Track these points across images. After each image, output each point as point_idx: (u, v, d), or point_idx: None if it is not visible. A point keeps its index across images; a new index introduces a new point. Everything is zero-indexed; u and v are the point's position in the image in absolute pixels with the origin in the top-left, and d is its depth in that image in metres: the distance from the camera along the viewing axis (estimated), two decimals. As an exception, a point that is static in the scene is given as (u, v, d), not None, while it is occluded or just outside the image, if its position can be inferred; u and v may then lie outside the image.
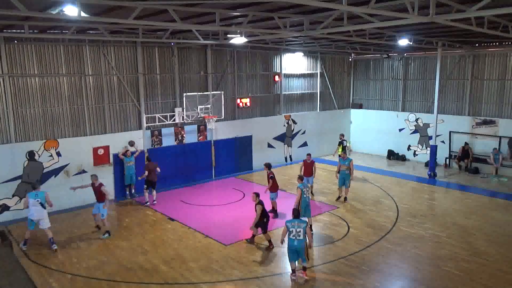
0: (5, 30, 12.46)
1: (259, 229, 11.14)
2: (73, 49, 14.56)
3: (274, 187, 13.43)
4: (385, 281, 9.36)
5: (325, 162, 20.68)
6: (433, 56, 20.41)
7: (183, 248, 11.16)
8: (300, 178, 12.34)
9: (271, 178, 13.31)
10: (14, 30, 12.67)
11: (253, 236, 11.40)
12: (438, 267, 9.97)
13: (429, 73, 21.24)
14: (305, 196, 11.83)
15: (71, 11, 8.33)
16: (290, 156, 21.82)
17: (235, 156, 19.38)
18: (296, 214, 9.30)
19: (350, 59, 24.50)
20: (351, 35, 13.86)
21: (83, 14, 8.53)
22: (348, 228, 12.36)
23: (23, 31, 12.19)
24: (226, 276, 9.58)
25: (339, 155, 15.34)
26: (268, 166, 13.74)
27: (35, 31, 12.85)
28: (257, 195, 11.18)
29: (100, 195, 12.00)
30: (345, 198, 14.87)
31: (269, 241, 11.09)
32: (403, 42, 15.12)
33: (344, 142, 20.30)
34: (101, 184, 12.03)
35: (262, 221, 11.03)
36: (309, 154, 15.46)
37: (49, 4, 8.63)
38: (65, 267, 10.18)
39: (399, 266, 10.01)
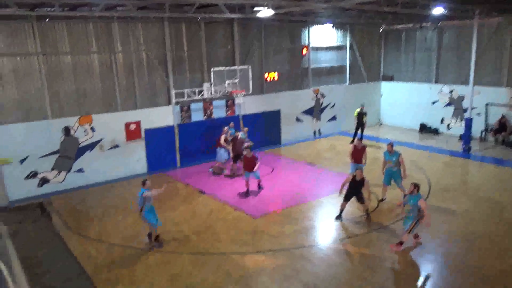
0: (37, 9, 12.74)
1: None
2: (103, 27, 14.76)
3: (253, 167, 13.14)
4: (415, 256, 9.32)
5: (358, 136, 20.35)
6: (469, 25, 19.42)
7: (214, 220, 11.44)
8: (391, 145, 12.13)
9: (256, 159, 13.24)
10: (45, 8, 12.92)
11: None
12: (470, 242, 9.82)
13: (465, 43, 20.25)
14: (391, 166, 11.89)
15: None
16: (319, 130, 21.64)
17: (264, 131, 19.41)
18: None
19: (380, 30, 23.68)
20: (382, 5, 13.37)
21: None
22: (378, 202, 12.28)
23: (53, 9, 12.43)
24: (256, 247, 9.79)
25: (388, 151, 12.19)
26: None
27: (65, 9, 13.08)
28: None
29: None
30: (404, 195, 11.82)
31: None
32: (438, 10, 14.48)
33: (363, 111, 19.44)
34: None
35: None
36: (360, 139, 14.70)
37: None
38: (102, 237, 10.67)
39: (429, 241, 9.90)
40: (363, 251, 9.50)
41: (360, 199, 11.13)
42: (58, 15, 13.35)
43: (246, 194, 13.30)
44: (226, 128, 15.84)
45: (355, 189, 11.02)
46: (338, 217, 11.32)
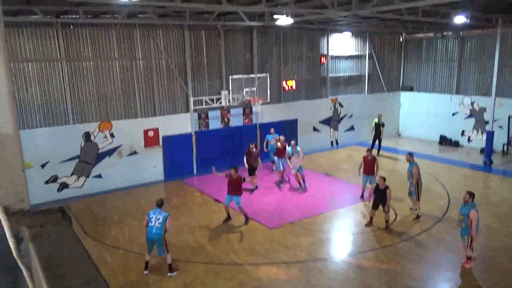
0: (62, 16, 13.06)
1: None
2: (124, 33, 15.01)
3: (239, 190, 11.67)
4: (433, 271, 9.10)
5: (375, 147, 20.12)
6: (492, 35, 19.06)
7: (228, 229, 11.42)
8: (411, 155, 12.13)
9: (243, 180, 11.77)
10: (70, 16, 13.24)
11: None
12: (491, 258, 9.55)
13: (488, 53, 19.88)
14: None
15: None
16: (336, 140, 21.43)
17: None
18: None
19: (401, 39, 23.46)
20: (402, 13, 13.24)
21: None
22: (396, 215, 12.07)
23: (78, 16, 12.72)
24: (270, 258, 9.72)
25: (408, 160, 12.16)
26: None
27: (89, 16, 13.37)
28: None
29: None
30: (417, 215, 11.80)
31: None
32: (459, 19, 14.24)
33: (381, 122, 19.04)
34: None
35: None
36: (369, 150, 13.76)
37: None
38: (118, 243, 10.77)
39: (447, 256, 9.67)
40: (380, 265, 9.32)
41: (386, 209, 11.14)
42: (82, 22, 13.65)
43: (227, 220, 11.85)
44: (282, 137, 15.67)
45: (380, 197, 11.03)
46: (369, 224, 11.39)
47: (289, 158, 14.32)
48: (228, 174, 11.57)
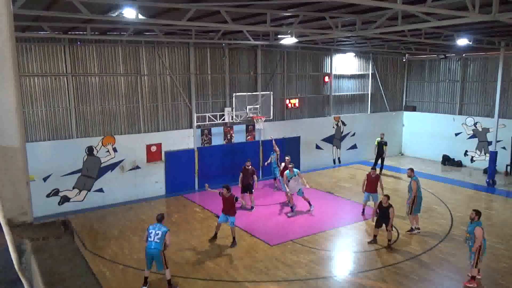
0: (69, 32, 13.30)
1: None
2: (130, 50, 15.25)
3: (233, 210, 11.52)
4: (436, 292, 8.97)
5: (377, 166, 20.06)
6: (495, 57, 19.23)
7: (229, 246, 11.32)
8: (412, 170, 12.27)
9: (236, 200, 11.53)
10: (78, 32, 13.49)
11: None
12: (494, 281, 9.39)
13: (490, 75, 20.01)
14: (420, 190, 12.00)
15: (129, 13, 8.77)
16: (339, 159, 21.45)
17: (283, 157, 19.31)
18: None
19: (403, 60, 23.67)
20: (405, 35, 13.40)
21: (140, 16, 8.94)
22: (398, 235, 11.96)
23: (85, 33, 12.96)
24: (270, 276, 9.62)
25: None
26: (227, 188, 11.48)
27: (96, 33, 13.62)
28: None
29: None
30: (411, 228, 12.04)
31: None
32: (462, 42, 14.39)
33: (383, 141, 19.06)
34: None
35: None
36: (373, 169, 13.79)
37: (109, 7, 9.12)
38: (117, 258, 10.69)
39: (451, 277, 9.54)
40: (382, 285, 9.19)
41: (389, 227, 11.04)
42: (89, 39, 13.90)
43: (213, 239, 11.64)
44: (287, 158, 14.89)
45: (383, 215, 10.95)
46: (371, 242, 11.31)
47: (288, 181, 13.72)
48: (220, 193, 11.50)
